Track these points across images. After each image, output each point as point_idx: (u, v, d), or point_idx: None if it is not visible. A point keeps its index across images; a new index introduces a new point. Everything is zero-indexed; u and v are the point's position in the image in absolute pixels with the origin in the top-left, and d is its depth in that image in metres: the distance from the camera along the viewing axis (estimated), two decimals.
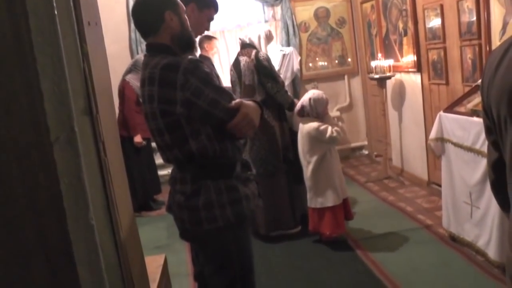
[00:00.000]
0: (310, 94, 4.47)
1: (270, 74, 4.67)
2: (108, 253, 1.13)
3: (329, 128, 4.30)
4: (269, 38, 4.89)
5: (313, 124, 4.35)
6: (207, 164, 2.27)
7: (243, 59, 4.78)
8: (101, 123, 1.33)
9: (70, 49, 1.20)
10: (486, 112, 1.38)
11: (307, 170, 4.45)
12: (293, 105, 4.74)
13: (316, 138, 4.34)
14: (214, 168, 2.28)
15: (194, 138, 2.21)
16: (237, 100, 2.25)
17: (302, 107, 4.43)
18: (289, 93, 4.87)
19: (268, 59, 4.71)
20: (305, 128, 4.41)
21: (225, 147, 2.28)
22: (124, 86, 5.86)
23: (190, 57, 2.23)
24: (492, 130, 1.37)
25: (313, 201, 4.45)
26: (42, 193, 0.92)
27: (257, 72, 4.68)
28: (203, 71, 2.17)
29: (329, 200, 4.38)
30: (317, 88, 7.27)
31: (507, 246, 1.35)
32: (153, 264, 2.61)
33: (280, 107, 4.81)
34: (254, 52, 4.71)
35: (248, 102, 2.29)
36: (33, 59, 0.92)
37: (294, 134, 4.83)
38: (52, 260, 0.90)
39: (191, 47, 2.38)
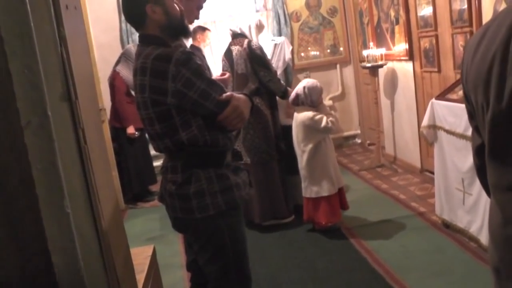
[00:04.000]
0: (304, 82, 4.44)
1: (263, 62, 4.67)
2: (88, 241, 1.09)
3: (324, 118, 4.27)
4: (260, 28, 4.86)
5: (308, 113, 4.32)
6: (197, 153, 2.27)
7: (235, 49, 4.77)
8: (81, 110, 1.29)
9: (45, 32, 1.15)
10: (467, 98, 1.36)
11: (302, 160, 4.42)
12: (286, 93, 4.74)
13: (311, 128, 4.31)
14: (205, 157, 2.28)
15: (184, 128, 2.22)
16: (228, 93, 2.26)
17: (297, 95, 4.40)
18: (282, 82, 4.86)
19: (260, 48, 4.71)
20: (300, 117, 4.37)
21: (215, 137, 2.28)
22: (114, 77, 5.84)
23: (182, 48, 2.23)
24: (474, 116, 1.34)
25: (308, 191, 4.43)
26: (13, 178, 0.87)
27: (250, 61, 4.68)
28: (195, 63, 2.17)
29: (325, 189, 4.35)
30: (309, 77, 7.23)
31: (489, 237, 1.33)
32: (142, 255, 2.57)
33: (272, 96, 4.80)
34: (246, 41, 4.72)
35: (239, 95, 2.30)
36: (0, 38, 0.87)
37: (284, 128, 4.86)
38: (24, 246, 0.86)
39: (183, 33, 2.36)
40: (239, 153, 4.58)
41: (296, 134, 4.46)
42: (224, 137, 2.32)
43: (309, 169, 4.38)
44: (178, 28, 2.32)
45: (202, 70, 2.20)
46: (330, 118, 4.30)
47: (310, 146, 4.34)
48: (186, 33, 2.38)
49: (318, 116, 4.29)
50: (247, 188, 2.42)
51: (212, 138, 2.27)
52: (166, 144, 2.28)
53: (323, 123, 4.26)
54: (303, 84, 4.43)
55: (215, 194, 2.26)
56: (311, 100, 4.37)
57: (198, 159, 2.27)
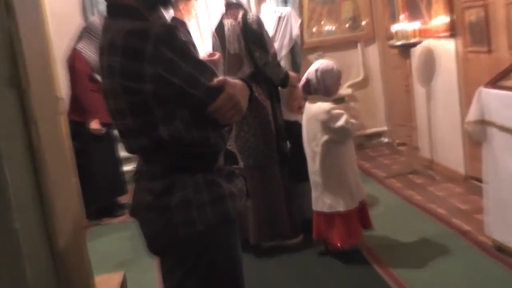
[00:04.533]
0: (317, 64, 4.46)
1: (259, 40, 4.67)
2: (40, 264, 1.08)
3: (344, 116, 4.25)
4: None
5: (324, 105, 4.31)
6: (181, 154, 2.26)
7: (228, 22, 4.78)
8: (33, 99, 1.29)
9: None
10: None
11: (313, 163, 4.41)
12: (286, 80, 4.77)
13: (325, 123, 4.30)
14: (191, 159, 2.28)
15: (165, 123, 2.20)
16: (221, 78, 2.24)
17: (307, 81, 4.40)
18: (283, 66, 4.87)
19: (258, 22, 4.70)
20: (313, 109, 4.37)
21: (205, 134, 2.27)
22: (74, 57, 5.82)
23: (162, 21, 2.23)
24: None
25: (320, 203, 4.42)
26: None
27: (244, 38, 4.67)
28: (179, 40, 2.16)
29: (341, 203, 4.34)
30: (322, 58, 7.23)
31: None
32: (109, 283, 2.58)
33: (273, 83, 4.83)
34: (241, 13, 4.71)
35: (235, 81, 2.29)
36: None
37: (288, 123, 4.90)
38: None
39: (163, 2, 2.35)
40: (233, 155, 4.56)
41: (307, 130, 4.45)
42: (215, 134, 2.31)
43: (322, 175, 4.37)
44: None
45: (188, 49, 2.18)
46: (352, 120, 4.32)
47: (324, 146, 4.33)
48: (167, 2, 2.38)
49: (336, 111, 4.28)
50: (243, 198, 2.41)
51: (201, 135, 2.25)
52: (142, 143, 2.27)
53: (341, 122, 4.23)
54: (315, 66, 4.44)
55: (204, 206, 2.25)
56: (325, 86, 4.36)
57: (182, 162, 2.27)
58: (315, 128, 4.36)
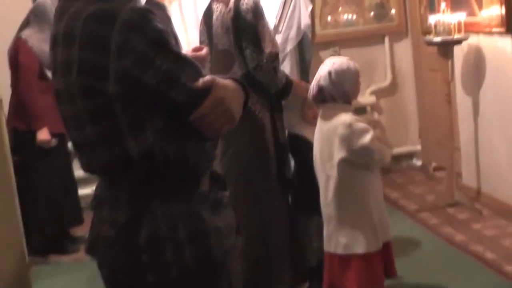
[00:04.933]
0: (328, 65, 4.39)
1: (252, 35, 4.60)
2: None
3: (371, 133, 4.21)
4: None
5: (344, 117, 4.26)
6: (153, 175, 2.26)
7: (217, 8, 4.75)
8: None
9: None
10: None
11: (326, 191, 4.39)
12: (287, 89, 4.70)
13: (344, 140, 4.26)
14: (165, 182, 2.28)
15: (134, 135, 2.20)
16: (208, 77, 2.24)
17: (319, 88, 4.34)
18: (282, 70, 4.80)
19: (255, 10, 4.61)
20: (329, 121, 4.33)
21: (184, 150, 2.27)
22: (18, 48, 5.84)
23: (133, 4, 2.21)
24: None
25: (333, 242, 4.40)
26: None
27: (235, 31, 4.63)
28: (155, 28, 2.17)
29: (361, 242, 4.32)
30: (338, 55, 7.21)
31: None
32: None
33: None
34: None
35: (225, 81, 2.29)
36: None
37: (294, 138, 4.87)
38: None
39: None
40: (221, 178, 4.49)
41: (320, 149, 4.41)
42: (197, 149, 2.31)
43: (337, 206, 4.34)
44: None
45: (165, 39, 2.19)
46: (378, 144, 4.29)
47: (340, 167, 4.31)
48: None
49: (360, 125, 4.22)
50: (232, 236, 2.42)
51: (178, 152, 2.25)
52: (103, 160, 2.27)
53: (365, 140, 4.19)
54: (326, 67, 4.37)
55: (181, 245, 2.25)
56: (344, 91, 4.34)
57: (153, 186, 2.26)
58: (332, 146, 4.31)
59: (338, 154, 4.26)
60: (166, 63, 2.16)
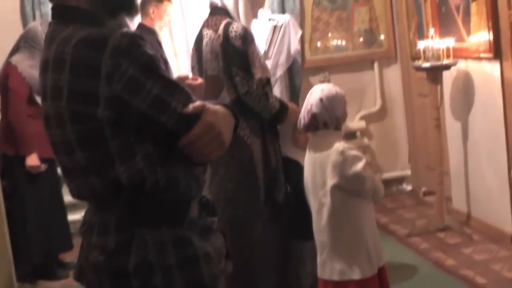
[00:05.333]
0: (318, 92, 4.37)
1: (242, 61, 4.57)
2: None
3: (363, 161, 4.21)
4: (255, 0, 4.85)
5: (336, 144, 4.24)
6: (142, 201, 2.26)
7: (207, 34, 4.73)
8: None
9: None
10: None
11: (319, 218, 4.37)
12: (281, 116, 4.69)
13: (337, 167, 4.25)
14: (155, 208, 2.27)
15: (123, 160, 2.21)
16: (198, 103, 2.25)
17: (312, 116, 4.31)
18: (274, 95, 4.77)
19: (244, 37, 4.59)
20: (321, 148, 4.30)
21: (173, 176, 2.28)
22: (7, 74, 5.82)
23: (124, 29, 2.24)
24: None
25: (327, 269, 4.37)
26: None
27: (225, 57, 4.62)
28: (145, 53, 2.17)
29: (356, 268, 4.30)
30: (327, 81, 7.22)
31: None
32: None
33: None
34: (224, 23, 4.64)
35: (215, 107, 2.30)
36: None
37: (286, 161, 4.83)
38: None
39: (126, 6, 2.38)
40: (210, 203, 4.46)
41: (312, 176, 4.39)
42: (187, 176, 2.31)
43: (331, 233, 4.32)
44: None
45: (155, 64, 2.19)
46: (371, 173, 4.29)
47: (333, 194, 4.30)
48: (131, 6, 2.39)
49: (353, 153, 4.21)
50: (222, 261, 2.42)
51: (168, 177, 2.25)
52: (92, 186, 2.26)
53: (358, 168, 4.19)
54: (316, 94, 4.34)
55: (170, 270, 2.24)
56: (336, 116, 4.33)
57: (143, 212, 2.26)
58: (325, 173, 4.29)
59: (331, 180, 4.23)
60: (156, 88, 2.16)
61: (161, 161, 2.24)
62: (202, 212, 2.44)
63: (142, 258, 2.23)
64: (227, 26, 4.60)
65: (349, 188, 4.23)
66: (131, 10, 2.39)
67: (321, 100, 4.27)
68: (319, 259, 4.41)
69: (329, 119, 4.27)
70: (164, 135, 2.21)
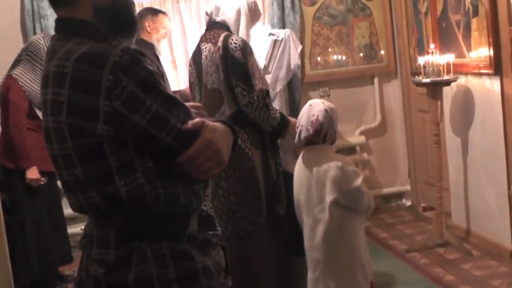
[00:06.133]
0: (319, 103, 4.35)
1: (242, 73, 4.59)
2: None
3: (361, 177, 4.22)
4: (254, 13, 4.84)
5: (334, 159, 4.20)
6: (142, 215, 2.26)
7: (206, 48, 4.73)
8: None
9: None
10: None
11: (313, 235, 4.35)
12: (283, 127, 4.68)
13: (336, 182, 4.23)
14: (154, 222, 2.27)
15: (123, 175, 2.21)
16: (197, 119, 2.25)
17: (320, 126, 4.25)
18: (275, 108, 4.77)
19: (244, 49, 4.61)
20: (318, 163, 4.30)
21: (173, 191, 2.27)
22: (8, 87, 5.80)
23: (124, 45, 2.22)
24: None
25: (321, 286, 4.36)
26: None
27: (225, 69, 4.61)
28: (145, 69, 2.17)
29: (353, 285, 4.30)
30: (327, 97, 7.25)
31: None
32: None
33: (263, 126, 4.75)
34: (223, 35, 4.65)
35: (215, 124, 2.30)
36: None
37: (286, 175, 4.79)
38: None
39: (129, 29, 2.40)
40: (210, 218, 4.48)
41: (307, 191, 4.37)
42: (187, 191, 2.30)
43: (327, 249, 4.30)
44: (125, 18, 2.36)
45: (155, 80, 2.20)
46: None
47: (331, 209, 4.27)
48: (133, 29, 2.41)
49: (351, 168, 4.21)
50: (222, 276, 2.42)
51: (168, 192, 2.25)
52: (92, 200, 2.26)
53: (357, 183, 4.19)
54: (320, 106, 4.30)
55: (170, 284, 2.24)
56: (335, 131, 4.32)
57: (143, 226, 2.26)
58: (323, 188, 4.26)
59: (330, 196, 4.21)
60: (156, 104, 2.16)
61: (161, 176, 2.24)
62: (202, 226, 2.43)
63: (142, 271, 2.22)
64: (227, 38, 4.62)
65: (347, 203, 4.23)
66: (132, 32, 2.41)
67: (326, 111, 4.26)
68: (310, 275, 4.41)
69: (330, 131, 4.28)
70: (164, 151, 2.21)
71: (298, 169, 4.45)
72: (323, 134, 4.26)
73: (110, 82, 2.12)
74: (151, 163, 2.22)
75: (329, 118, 4.25)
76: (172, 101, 2.23)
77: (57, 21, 2.35)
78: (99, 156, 2.19)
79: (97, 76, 2.12)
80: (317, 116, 4.27)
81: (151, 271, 2.23)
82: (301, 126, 4.33)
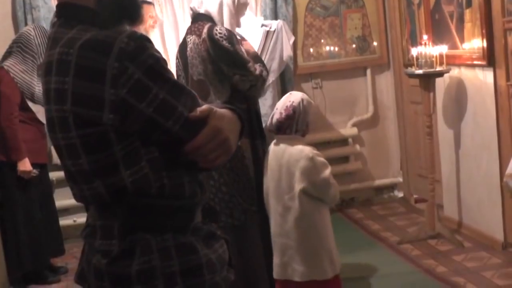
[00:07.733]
0: (298, 94, 4.51)
1: (235, 59, 4.62)
2: None
3: (329, 168, 4.33)
4: (239, 5, 4.84)
5: (306, 150, 4.32)
6: (147, 206, 2.24)
7: (191, 40, 4.76)
8: None
9: None
10: None
11: (283, 221, 4.41)
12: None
13: (305, 172, 4.29)
14: (159, 213, 2.26)
15: (128, 165, 2.18)
16: (205, 106, 2.22)
17: (293, 111, 4.35)
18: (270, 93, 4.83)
19: (229, 38, 4.63)
20: (289, 153, 4.38)
21: (179, 182, 2.26)
22: (0, 79, 5.75)
23: (130, 31, 2.19)
24: None
25: (289, 271, 4.42)
26: None
27: (211, 60, 4.63)
28: (151, 56, 2.15)
29: (321, 270, 4.37)
30: (320, 88, 7.29)
31: None
32: None
33: (253, 116, 4.84)
34: (207, 27, 4.65)
35: (222, 111, 2.28)
36: None
37: None
38: None
39: (133, 15, 2.36)
40: (214, 210, 4.57)
41: (278, 180, 4.43)
42: (192, 181, 2.29)
43: (298, 236, 4.37)
44: (129, 4, 2.32)
45: (162, 66, 2.17)
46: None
47: (301, 198, 4.32)
48: (136, 14, 2.36)
49: (321, 159, 4.32)
50: (225, 269, 2.39)
51: (174, 182, 2.23)
52: (96, 190, 2.23)
53: (327, 173, 4.29)
54: (298, 95, 4.47)
55: (174, 277, 2.22)
56: (307, 123, 4.42)
57: (148, 217, 2.24)
58: (292, 177, 4.37)
59: (299, 185, 4.33)
60: (162, 92, 2.13)
61: (166, 167, 2.22)
62: (206, 218, 2.42)
63: (145, 263, 2.20)
64: (211, 28, 4.64)
65: (315, 193, 4.34)
66: (136, 19, 2.37)
67: (302, 100, 4.40)
68: (277, 260, 4.50)
69: (302, 121, 4.40)
70: (170, 140, 2.18)
71: (269, 157, 4.54)
72: (294, 121, 4.37)
73: (116, 69, 2.08)
74: (157, 153, 2.20)
75: (304, 108, 4.38)
76: (179, 89, 2.20)
77: (58, 6, 2.31)
78: (104, 145, 2.16)
79: (102, 63, 2.08)
80: (293, 102, 4.40)
81: (155, 264, 2.20)
82: (276, 109, 4.47)
